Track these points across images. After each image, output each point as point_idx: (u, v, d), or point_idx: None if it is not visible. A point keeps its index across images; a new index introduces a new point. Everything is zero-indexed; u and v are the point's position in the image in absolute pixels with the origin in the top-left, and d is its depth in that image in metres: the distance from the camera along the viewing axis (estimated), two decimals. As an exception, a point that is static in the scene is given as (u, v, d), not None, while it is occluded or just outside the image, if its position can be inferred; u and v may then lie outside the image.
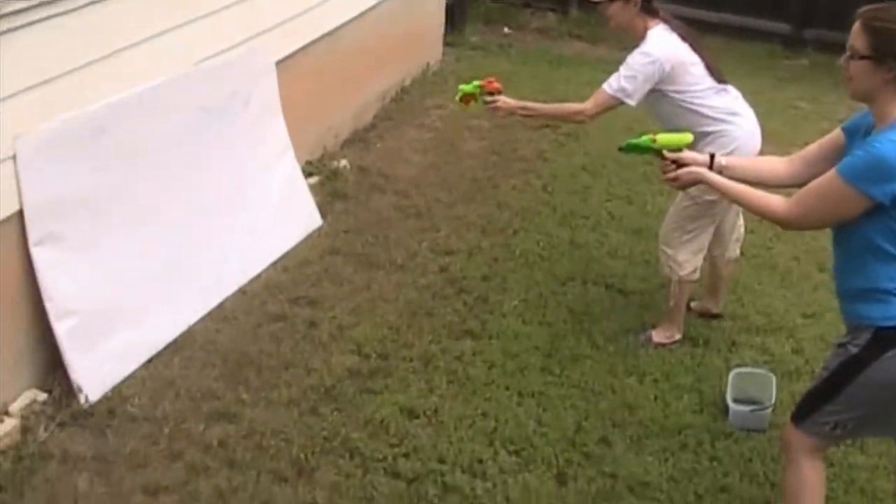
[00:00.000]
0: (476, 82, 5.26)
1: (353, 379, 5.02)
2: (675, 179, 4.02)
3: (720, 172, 3.93)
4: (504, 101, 5.27)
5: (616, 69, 5.13)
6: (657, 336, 5.46)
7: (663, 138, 4.14)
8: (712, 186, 3.90)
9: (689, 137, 4.20)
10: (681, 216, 5.23)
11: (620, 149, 4.33)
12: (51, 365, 4.75)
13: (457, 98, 5.30)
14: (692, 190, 5.12)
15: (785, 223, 3.66)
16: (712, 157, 3.99)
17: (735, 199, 3.90)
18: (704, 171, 3.92)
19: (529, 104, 5.47)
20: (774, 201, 3.64)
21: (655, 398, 5.02)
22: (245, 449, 4.51)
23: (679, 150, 4.07)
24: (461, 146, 7.78)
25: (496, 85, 5.26)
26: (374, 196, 6.91)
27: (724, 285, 5.72)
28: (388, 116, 8.26)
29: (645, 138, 4.15)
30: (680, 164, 4.02)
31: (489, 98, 5.26)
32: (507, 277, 5.99)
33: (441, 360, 5.19)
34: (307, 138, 6.90)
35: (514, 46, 10.52)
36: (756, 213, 3.80)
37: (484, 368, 5.15)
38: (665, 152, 4.06)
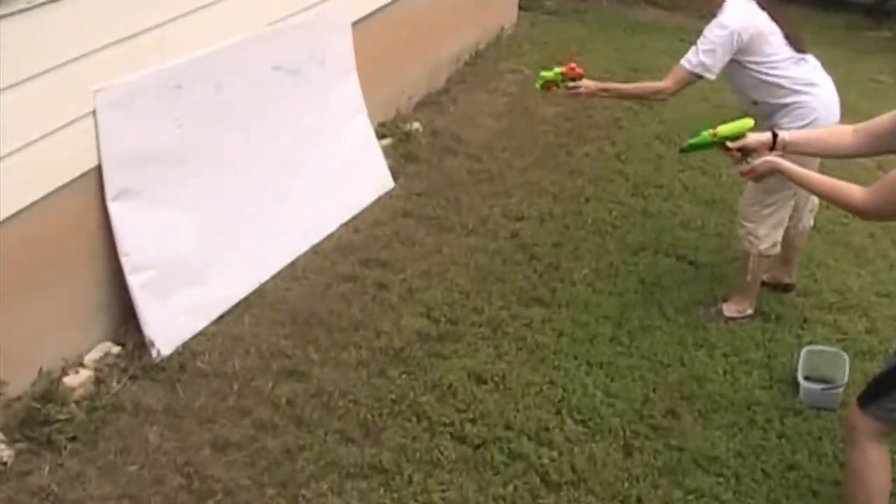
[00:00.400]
0: (557, 69, 5.18)
1: (421, 342, 5.01)
2: (750, 172, 3.98)
3: (784, 148, 3.89)
4: (586, 85, 5.22)
5: (693, 38, 5.05)
6: (728, 310, 5.39)
7: (724, 129, 4.09)
8: (788, 176, 3.84)
9: (749, 122, 4.13)
10: (759, 189, 5.13)
11: (682, 150, 4.34)
12: (125, 319, 4.80)
13: (537, 85, 5.25)
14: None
15: (863, 213, 3.55)
16: (775, 135, 3.95)
17: (812, 189, 3.82)
18: (779, 160, 3.87)
19: (610, 85, 5.46)
20: (852, 191, 3.53)
21: (724, 372, 4.96)
22: (313, 408, 4.52)
23: (742, 136, 4.04)
24: (535, 112, 7.72)
25: (578, 70, 5.19)
26: (446, 159, 6.88)
27: (796, 255, 5.63)
28: (462, 80, 8.21)
29: (704, 134, 4.13)
30: (746, 151, 3.99)
31: (571, 84, 5.20)
32: (579, 245, 5.95)
33: (510, 327, 5.16)
34: (381, 100, 6.89)
35: (589, 12, 10.40)
36: (833, 203, 3.73)
37: (553, 336, 5.12)
38: (728, 143, 4.04)
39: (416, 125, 7.23)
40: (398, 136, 7.01)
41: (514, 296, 5.44)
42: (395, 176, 6.50)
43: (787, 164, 3.85)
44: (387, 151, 6.63)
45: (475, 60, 8.54)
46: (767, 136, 3.97)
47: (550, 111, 7.71)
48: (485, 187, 6.54)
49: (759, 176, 4.04)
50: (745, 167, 3.99)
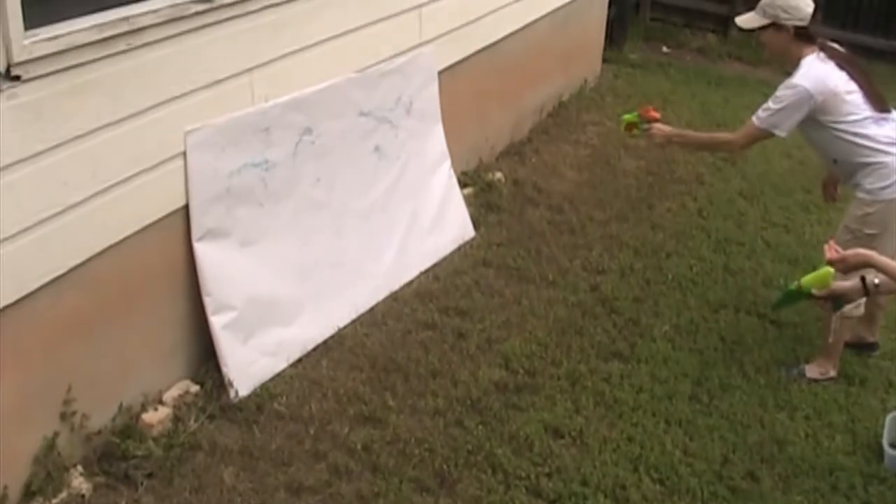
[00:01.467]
0: (635, 112, 5.45)
1: (499, 393, 4.96)
2: (841, 261, 4.06)
3: (875, 290, 4.05)
4: (659, 128, 5.39)
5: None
6: (811, 371, 5.26)
7: (807, 281, 4.21)
8: (880, 269, 3.94)
9: (830, 271, 4.15)
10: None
11: (775, 307, 4.85)
12: (205, 358, 4.82)
13: (622, 129, 5.58)
14: (852, 223, 5.01)
15: None
16: (863, 279, 4.06)
17: None
18: (872, 253, 4.00)
19: (684, 132, 5.64)
20: None
21: (806, 435, 4.84)
22: (388, 455, 4.49)
23: (826, 285, 4.16)
24: (617, 164, 7.67)
25: (653, 113, 5.42)
26: (527, 210, 6.85)
27: (881, 314, 5.50)
28: (545, 130, 8.20)
29: (791, 289, 4.30)
30: (835, 297, 4.16)
31: (645, 126, 5.41)
32: (659, 300, 5.87)
33: (588, 381, 5.10)
34: (464, 149, 6.89)
35: (672, 65, 10.34)
36: None
37: (631, 392, 5.04)
38: (815, 292, 4.17)
39: (499, 175, 7.22)
40: (480, 186, 7.01)
41: (593, 349, 5.37)
42: (476, 225, 6.49)
43: (878, 257, 3.97)
44: (469, 200, 6.62)
45: (558, 111, 8.53)
46: (856, 281, 4.09)
47: (633, 164, 7.66)
48: (566, 239, 6.50)
49: (848, 267, 4.09)
50: (837, 266, 4.09)
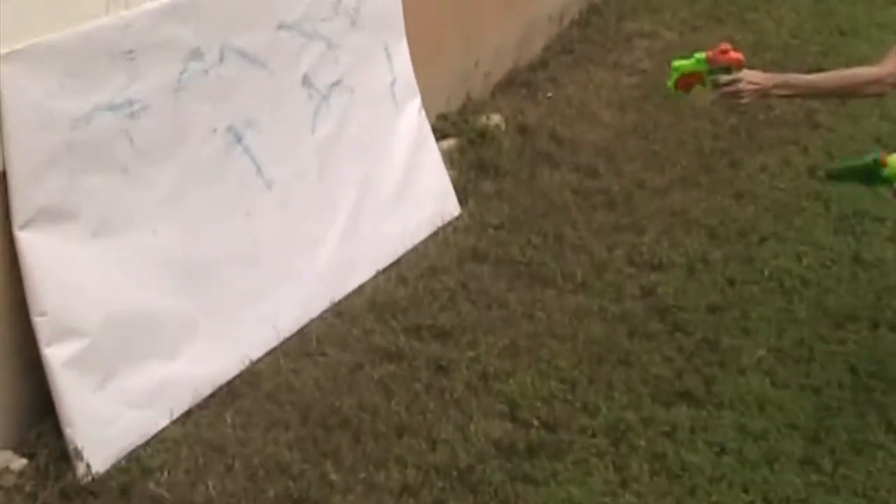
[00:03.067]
0: (699, 54, 5.10)
1: (502, 458, 4.92)
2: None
3: None
4: (750, 78, 5.09)
5: None
6: None
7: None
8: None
9: None
10: None
11: (830, 176, 5.10)
12: (37, 414, 4.76)
13: (670, 84, 5.19)
14: None
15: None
16: None
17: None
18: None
19: (791, 78, 5.34)
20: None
21: None
22: (329, 562, 4.47)
23: None
24: (681, 98, 7.57)
25: (733, 55, 5.08)
26: (541, 172, 6.85)
27: None
28: (567, 48, 8.25)
29: (867, 161, 4.60)
30: None
31: (725, 78, 5.08)
32: (750, 311, 5.85)
33: (641, 437, 5.05)
34: (442, 79, 6.90)
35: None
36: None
37: (709, 454, 4.98)
38: None
39: (496, 118, 7.23)
40: (468, 136, 7.02)
41: (647, 388, 5.33)
42: (461, 197, 6.51)
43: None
44: (450, 158, 6.63)
45: (588, 18, 8.59)
46: None
47: (705, 99, 7.59)
48: (601, 216, 6.51)
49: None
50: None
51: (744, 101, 5.17)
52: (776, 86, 5.15)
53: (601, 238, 6.32)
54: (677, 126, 7.40)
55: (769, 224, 6.54)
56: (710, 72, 5.04)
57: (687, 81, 5.10)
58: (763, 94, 5.16)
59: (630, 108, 7.56)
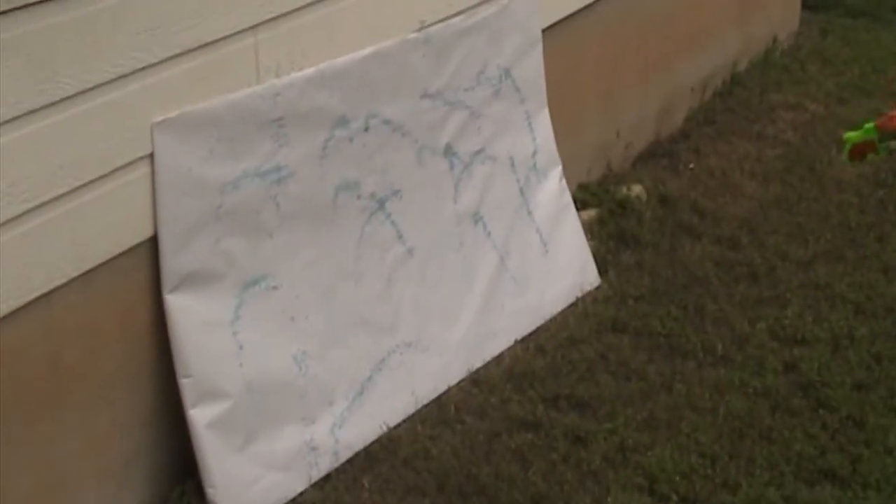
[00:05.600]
0: (868, 124, 5.01)
1: (641, 534, 4.92)
2: None
3: None
4: None
5: None
6: None
7: None
8: None
9: None
10: None
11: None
12: (179, 474, 4.84)
13: (844, 156, 5.17)
14: None
15: None
16: None
17: None
18: None
19: None
20: None
21: None
22: None
23: None
24: (826, 172, 7.62)
25: None
26: (682, 243, 6.85)
27: None
28: (709, 119, 8.22)
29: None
30: None
31: (894, 143, 4.99)
32: (897, 388, 5.80)
33: (784, 516, 5.04)
34: (584, 149, 6.92)
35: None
36: None
37: (856, 538, 4.97)
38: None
39: (637, 189, 7.24)
40: (609, 206, 7.03)
41: (790, 465, 5.29)
42: (601, 268, 6.50)
43: None
44: (591, 229, 6.63)
45: (731, 89, 8.54)
46: None
47: (852, 172, 7.59)
48: (743, 289, 6.47)
49: None
50: None
51: None
52: None
53: (743, 311, 6.29)
54: (822, 199, 7.34)
55: (918, 300, 6.47)
56: (881, 139, 5.02)
57: (860, 150, 5.05)
58: None
59: (773, 180, 7.52)
